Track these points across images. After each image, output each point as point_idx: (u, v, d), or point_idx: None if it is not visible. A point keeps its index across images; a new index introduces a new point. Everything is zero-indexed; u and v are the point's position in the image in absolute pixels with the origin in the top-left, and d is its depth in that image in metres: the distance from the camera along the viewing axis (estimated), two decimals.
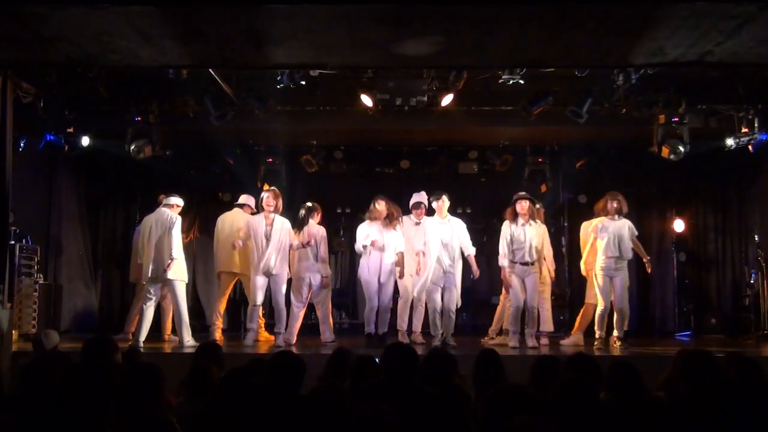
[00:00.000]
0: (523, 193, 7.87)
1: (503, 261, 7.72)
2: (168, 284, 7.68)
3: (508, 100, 8.49)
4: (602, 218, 7.88)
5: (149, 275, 7.64)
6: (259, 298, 7.88)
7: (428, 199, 7.98)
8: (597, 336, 7.72)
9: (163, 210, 7.85)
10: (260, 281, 7.84)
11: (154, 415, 3.23)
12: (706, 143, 8.84)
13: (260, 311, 8.27)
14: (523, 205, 7.68)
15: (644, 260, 8.01)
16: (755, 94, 8.35)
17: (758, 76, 7.74)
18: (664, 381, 3.98)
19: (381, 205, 7.88)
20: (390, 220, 7.86)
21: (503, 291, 8.21)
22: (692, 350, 4.10)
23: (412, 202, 8.21)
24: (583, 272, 8.17)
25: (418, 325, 8.09)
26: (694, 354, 3.87)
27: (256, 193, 8.65)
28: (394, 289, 7.98)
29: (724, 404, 3.15)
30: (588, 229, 8.28)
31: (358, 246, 7.93)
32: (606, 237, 7.72)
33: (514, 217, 7.71)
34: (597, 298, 7.81)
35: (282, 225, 7.87)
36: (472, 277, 8.03)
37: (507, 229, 7.74)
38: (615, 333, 7.71)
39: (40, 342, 5.16)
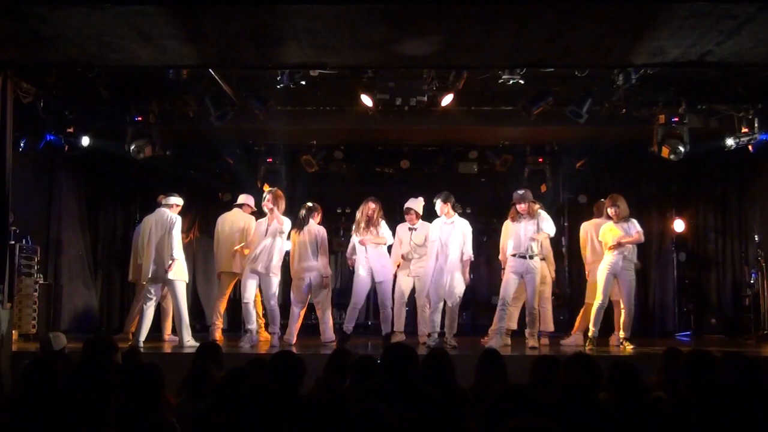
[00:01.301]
0: (521, 192, 7.85)
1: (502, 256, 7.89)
2: (168, 284, 7.69)
3: (508, 100, 8.49)
4: (607, 221, 7.82)
5: (149, 275, 7.64)
6: (249, 295, 7.79)
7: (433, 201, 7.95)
8: (590, 333, 7.66)
9: (163, 210, 7.86)
10: (250, 277, 7.78)
11: (154, 415, 3.23)
12: (706, 143, 8.83)
13: (260, 311, 8.27)
14: (522, 207, 7.71)
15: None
16: (755, 94, 8.34)
17: (758, 76, 7.74)
18: (655, 382, 3.98)
19: (366, 209, 7.90)
20: (368, 225, 7.87)
21: None
22: (688, 350, 4.10)
23: (404, 207, 8.28)
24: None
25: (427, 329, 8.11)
26: (694, 354, 3.87)
27: (256, 193, 8.65)
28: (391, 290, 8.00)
29: (724, 404, 3.15)
30: (588, 228, 8.29)
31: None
32: (613, 240, 7.67)
33: (515, 214, 7.77)
34: (596, 293, 7.78)
35: (276, 226, 7.85)
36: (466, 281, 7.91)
37: (505, 227, 7.90)
38: (622, 334, 7.65)
39: (49, 343, 5.17)
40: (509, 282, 7.69)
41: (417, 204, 8.22)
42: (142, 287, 8.01)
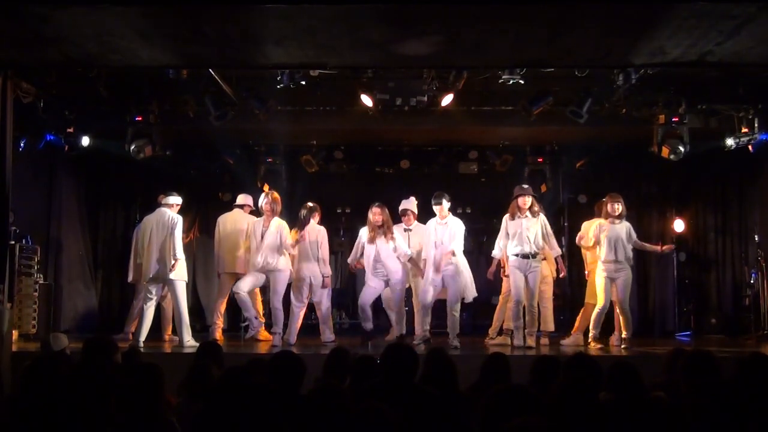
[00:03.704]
0: (526, 186, 7.88)
1: (496, 253, 7.83)
2: (169, 284, 7.70)
3: (508, 100, 8.48)
4: (601, 220, 7.85)
5: (150, 275, 7.64)
6: (246, 287, 7.81)
7: (431, 202, 7.93)
8: (591, 335, 7.70)
9: (164, 210, 7.86)
10: (253, 274, 7.87)
11: (154, 415, 3.23)
12: (706, 143, 8.82)
13: (260, 309, 8.30)
14: (525, 200, 7.69)
15: (659, 250, 8.35)
16: (755, 94, 8.34)
17: (758, 76, 7.74)
18: (662, 382, 3.98)
19: (375, 214, 7.84)
20: (383, 231, 7.80)
21: (503, 290, 8.22)
22: (690, 350, 4.10)
23: (399, 209, 8.25)
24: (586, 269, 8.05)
25: (419, 329, 8.11)
26: (695, 354, 3.87)
27: (256, 193, 8.65)
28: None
29: (724, 404, 3.15)
30: (588, 229, 8.29)
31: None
32: (605, 240, 7.70)
33: (515, 210, 7.71)
34: (597, 297, 7.79)
35: (277, 226, 7.88)
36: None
37: (505, 223, 7.78)
38: (623, 334, 7.68)
39: (48, 344, 5.17)
40: (517, 282, 7.61)
41: (412, 204, 8.21)
42: (141, 287, 8.02)
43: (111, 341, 4.68)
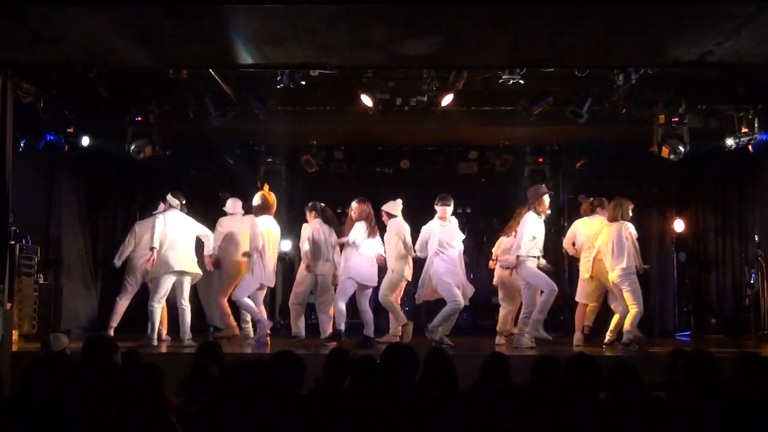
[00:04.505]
0: None
1: (522, 253, 7.50)
2: (178, 283, 7.82)
3: (508, 100, 8.48)
4: (628, 223, 7.77)
5: (175, 268, 7.79)
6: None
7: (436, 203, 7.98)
8: (639, 335, 7.63)
9: (179, 212, 8.05)
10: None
11: (154, 415, 3.23)
12: (706, 143, 8.82)
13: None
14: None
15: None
16: (755, 94, 8.33)
17: (758, 76, 7.74)
18: (662, 382, 3.99)
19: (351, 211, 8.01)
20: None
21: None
22: (690, 350, 4.10)
23: None
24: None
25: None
26: (695, 354, 3.87)
27: (252, 193, 8.63)
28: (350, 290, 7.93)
29: (724, 404, 3.15)
30: (575, 225, 8.33)
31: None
32: (634, 244, 7.69)
33: (542, 210, 7.64)
34: (630, 303, 7.57)
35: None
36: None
37: (536, 221, 7.57)
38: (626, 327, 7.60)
39: (48, 344, 5.17)
40: (543, 275, 7.53)
41: (388, 206, 8.17)
42: (128, 283, 8.23)
43: (111, 341, 4.69)
